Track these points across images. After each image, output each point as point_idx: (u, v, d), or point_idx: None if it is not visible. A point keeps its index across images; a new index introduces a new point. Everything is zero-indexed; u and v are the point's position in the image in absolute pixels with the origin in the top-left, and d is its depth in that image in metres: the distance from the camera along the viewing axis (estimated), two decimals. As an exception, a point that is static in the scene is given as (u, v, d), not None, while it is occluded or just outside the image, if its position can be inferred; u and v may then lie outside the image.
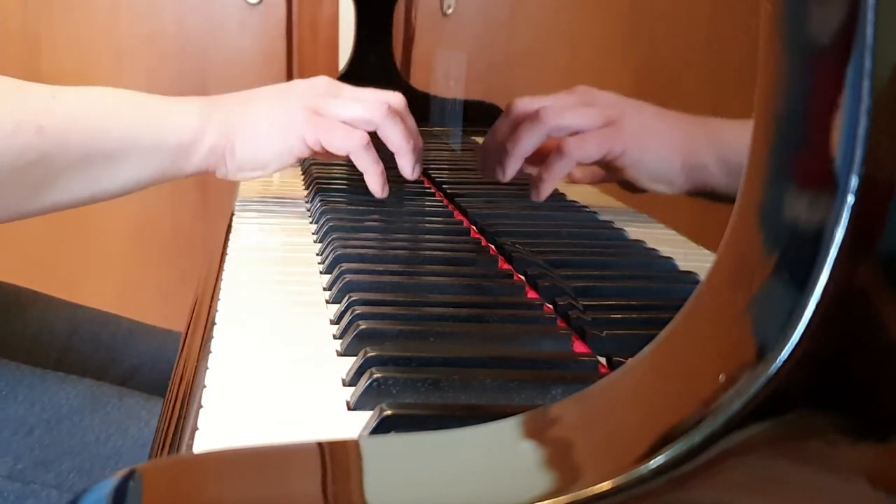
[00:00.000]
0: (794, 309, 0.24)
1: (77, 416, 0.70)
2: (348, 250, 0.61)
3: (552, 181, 0.66)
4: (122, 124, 0.66)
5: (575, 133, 0.64)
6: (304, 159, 0.76)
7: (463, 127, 1.02)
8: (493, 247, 0.66)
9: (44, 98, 0.64)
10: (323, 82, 0.76)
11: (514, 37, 0.92)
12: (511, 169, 0.69)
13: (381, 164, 0.73)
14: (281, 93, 0.74)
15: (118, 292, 1.81)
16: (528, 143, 0.68)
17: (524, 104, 0.70)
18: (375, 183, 0.74)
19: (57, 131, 0.62)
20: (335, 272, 0.57)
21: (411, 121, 0.76)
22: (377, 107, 0.72)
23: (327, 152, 0.72)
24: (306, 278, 0.59)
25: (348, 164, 0.88)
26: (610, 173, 0.61)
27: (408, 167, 0.74)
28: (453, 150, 1.07)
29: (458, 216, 0.76)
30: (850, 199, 0.24)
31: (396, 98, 0.75)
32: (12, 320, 0.90)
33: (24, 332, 0.90)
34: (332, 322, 0.51)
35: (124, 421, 0.70)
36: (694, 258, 0.55)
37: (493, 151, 0.72)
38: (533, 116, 0.67)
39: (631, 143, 0.59)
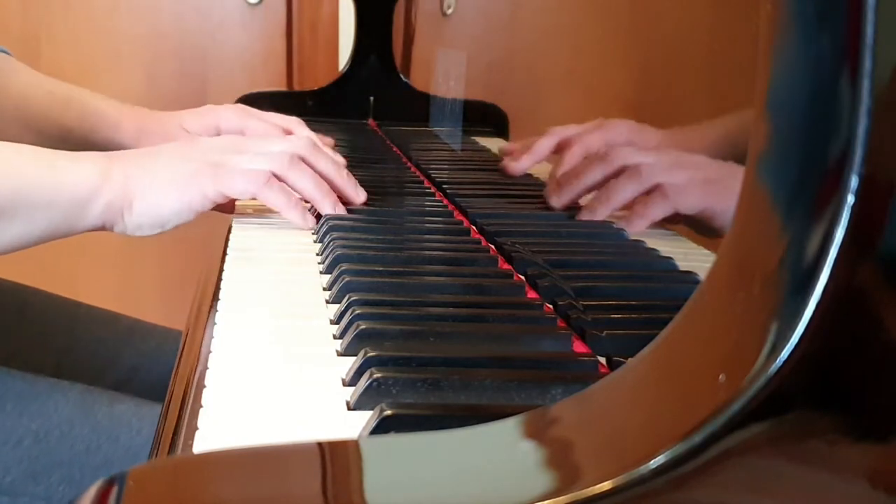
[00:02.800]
0: (794, 309, 0.24)
1: (67, 426, 0.69)
2: (348, 250, 0.61)
3: (647, 220, 0.63)
4: (12, 180, 0.64)
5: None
6: None
7: (463, 127, 1.02)
8: (493, 247, 0.66)
9: None
10: (227, 139, 0.75)
11: (514, 37, 0.92)
12: (599, 217, 0.67)
13: (293, 196, 0.71)
14: (184, 149, 0.72)
15: (118, 291, 1.81)
16: (623, 197, 0.65)
17: (625, 156, 0.65)
18: (295, 217, 0.71)
19: None
20: (335, 272, 0.57)
21: (324, 159, 0.74)
22: (280, 158, 0.71)
23: (233, 204, 0.70)
24: (306, 278, 0.59)
25: (347, 164, 0.88)
26: (688, 221, 0.60)
27: (326, 208, 0.72)
28: (453, 150, 1.07)
29: (458, 216, 0.76)
30: (850, 199, 0.24)
31: (302, 143, 0.74)
32: (11, 321, 0.90)
33: (24, 333, 0.89)
34: (332, 322, 0.51)
35: (115, 429, 0.69)
36: (694, 258, 0.55)
37: (573, 185, 0.70)
38: (632, 170, 0.64)
39: (730, 204, 0.56)
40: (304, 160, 0.72)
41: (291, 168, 0.71)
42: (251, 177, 0.69)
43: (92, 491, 0.26)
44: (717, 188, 0.58)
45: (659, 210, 0.62)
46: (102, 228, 0.68)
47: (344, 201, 0.74)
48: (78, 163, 0.67)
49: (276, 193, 0.70)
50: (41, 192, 0.65)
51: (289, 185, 0.71)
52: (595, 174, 0.68)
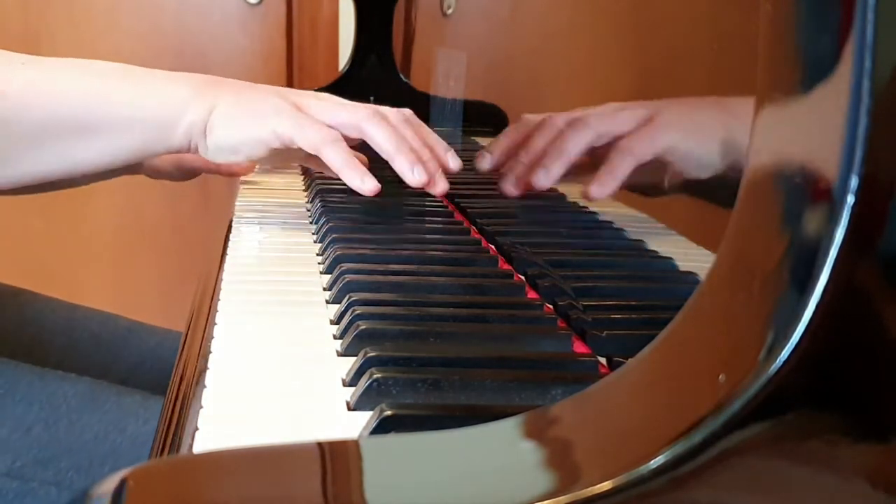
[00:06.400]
0: (794, 309, 0.24)
1: (75, 415, 0.70)
2: (348, 250, 0.61)
3: (615, 180, 0.61)
4: (98, 94, 0.65)
5: (616, 137, 0.61)
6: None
7: (463, 127, 1.02)
8: (493, 247, 0.66)
9: (10, 65, 0.64)
10: (323, 95, 0.73)
11: (514, 37, 0.92)
12: (556, 175, 0.66)
13: (353, 159, 0.66)
14: (275, 90, 0.72)
15: (117, 292, 1.81)
16: (575, 148, 0.64)
17: (557, 117, 0.67)
18: (353, 178, 0.66)
19: (17, 97, 0.62)
20: (335, 272, 0.57)
21: (424, 130, 0.71)
22: (361, 110, 0.68)
23: (307, 155, 0.68)
24: (306, 278, 0.59)
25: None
26: (655, 174, 0.59)
27: (405, 170, 0.66)
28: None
29: (458, 216, 0.76)
30: (850, 199, 0.24)
31: (394, 111, 0.71)
32: (10, 320, 0.90)
33: (23, 331, 0.90)
34: (332, 322, 0.51)
35: (123, 419, 0.70)
36: (694, 258, 0.55)
37: (524, 161, 0.69)
38: (577, 123, 0.64)
39: (679, 135, 0.56)
40: (387, 119, 0.69)
41: (370, 119, 0.68)
42: (320, 133, 0.66)
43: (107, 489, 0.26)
44: (661, 125, 0.57)
45: (623, 166, 0.60)
46: (188, 150, 0.68)
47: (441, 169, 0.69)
48: (169, 81, 0.68)
49: (340, 153, 0.66)
50: (125, 108, 0.65)
51: (367, 138, 0.68)
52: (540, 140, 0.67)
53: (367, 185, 0.66)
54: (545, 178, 0.66)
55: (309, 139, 0.66)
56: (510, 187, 0.71)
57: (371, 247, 0.63)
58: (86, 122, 0.65)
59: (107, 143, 0.66)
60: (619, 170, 0.61)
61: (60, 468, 0.68)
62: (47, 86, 0.64)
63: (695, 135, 0.56)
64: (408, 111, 0.72)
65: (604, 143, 0.62)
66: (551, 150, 0.66)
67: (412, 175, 0.66)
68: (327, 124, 0.68)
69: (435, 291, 0.55)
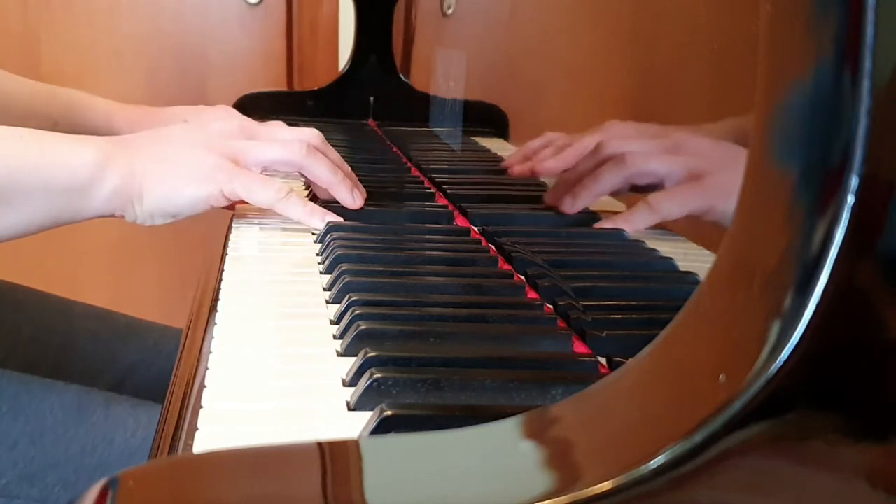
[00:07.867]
0: (794, 309, 0.24)
1: (61, 428, 0.69)
2: (348, 250, 0.61)
3: (630, 227, 0.63)
4: (7, 165, 0.63)
5: (658, 179, 0.62)
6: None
7: (463, 127, 1.02)
8: (493, 247, 0.66)
9: None
10: (236, 123, 0.74)
11: (514, 37, 0.92)
12: (582, 204, 0.68)
13: (309, 205, 0.70)
14: (192, 136, 0.70)
15: (116, 292, 1.81)
16: (606, 184, 0.66)
17: (612, 145, 0.66)
18: (317, 223, 0.70)
19: None
20: (335, 272, 0.57)
21: (334, 153, 0.75)
22: (296, 147, 0.71)
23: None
24: (306, 278, 0.59)
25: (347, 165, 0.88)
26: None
27: (346, 197, 0.72)
28: (453, 151, 1.07)
29: (458, 216, 0.76)
30: (850, 199, 0.24)
31: (313, 135, 0.74)
32: (8, 319, 0.90)
33: (21, 330, 0.89)
34: (332, 322, 0.51)
35: (110, 431, 0.69)
36: (694, 258, 0.55)
37: (567, 181, 0.70)
38: (618, 158, 0.65)
39: (718, 200, 0.56)
40: (317, 149, 0.73)
41: (308, 155, 0.71)
42: (270, 190, 0.68)
43: (93, 492, 0.26)
44: (701, 187, 0.57)
45: (643, 219, 0.61)
46: (112, 216, 0.67)
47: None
48: (77, 146, 0.65)
49: (297, 205, 0.69)
50: (35, 176, 0.63)
51: (306, 173, 0.72)
52: (585, 166, 0.68)
53: (323, 222, 0.69)
54: (570, 206, 0.68)
55: (261, 199, 0.68)
56: (552, 199, 0.72)
57: (371, 247, 0.63)
58: None
59: (19, 213, 0.64)
60: (640, 221, 0.62)
61: (47, 483, 0.67)
62: None
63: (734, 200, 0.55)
64: (319, 133, 0.76)
65: (643, 182, 0.63)
66: (587, 181, 0.67)
67: (353, 200, 0.72)
68: (266, 166, 0.71)
69: (435, 291, 0.55)
